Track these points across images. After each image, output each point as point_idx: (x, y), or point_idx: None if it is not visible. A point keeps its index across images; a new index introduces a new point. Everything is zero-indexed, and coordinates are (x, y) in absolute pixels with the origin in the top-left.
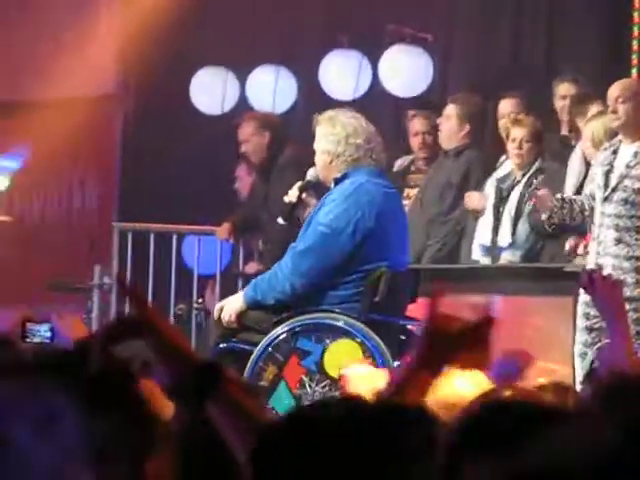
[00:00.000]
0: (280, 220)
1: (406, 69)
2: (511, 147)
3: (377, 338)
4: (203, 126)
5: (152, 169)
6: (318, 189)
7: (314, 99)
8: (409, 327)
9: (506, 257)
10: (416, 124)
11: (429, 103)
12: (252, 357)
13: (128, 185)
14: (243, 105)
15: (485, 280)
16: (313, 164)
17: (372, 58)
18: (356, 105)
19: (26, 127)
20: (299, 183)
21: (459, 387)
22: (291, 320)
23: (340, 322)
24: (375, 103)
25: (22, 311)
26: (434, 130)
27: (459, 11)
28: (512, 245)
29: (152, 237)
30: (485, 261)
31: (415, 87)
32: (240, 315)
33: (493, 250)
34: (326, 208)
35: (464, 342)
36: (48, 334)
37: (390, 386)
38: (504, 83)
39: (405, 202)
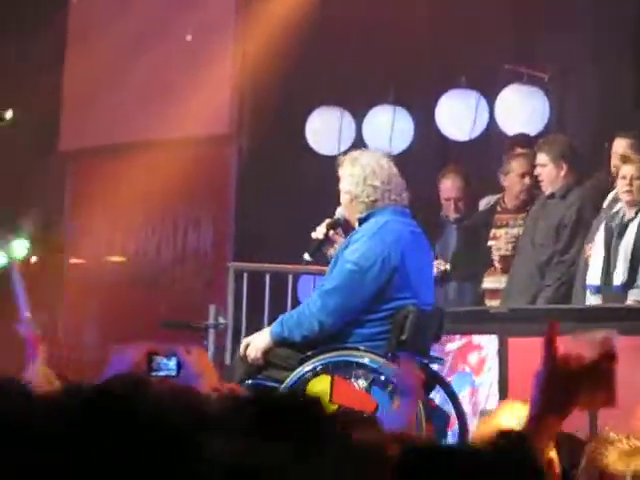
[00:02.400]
0: (306, 256)
1: (522, 109)
2: (621, 184)
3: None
4: (318, 166)
5: (267, 208)
6: (346, 227)
7: (430, 139)
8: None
9: (633, 297)
10: (523, 164)
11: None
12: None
13: (243, 225)
14: (359, 145)
15: (602, 321)
16: (427, 203)
17: (489, 98)
18: (472, 145)
19: (140, 168)
20: (327, 220)
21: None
22: (318, 357)
23: (366, 360)
24: (491, 143)
25: (144, 346)
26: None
27: (575, 50)
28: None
29: (267, 277)
30: (596, 301)
31: (531, 127)
32: (266, 352)
33: (605, 289)
34: (353, 246)
35: (587, 381)
36: (174, 368)
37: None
38: (622, 122)
39: (492, 242)
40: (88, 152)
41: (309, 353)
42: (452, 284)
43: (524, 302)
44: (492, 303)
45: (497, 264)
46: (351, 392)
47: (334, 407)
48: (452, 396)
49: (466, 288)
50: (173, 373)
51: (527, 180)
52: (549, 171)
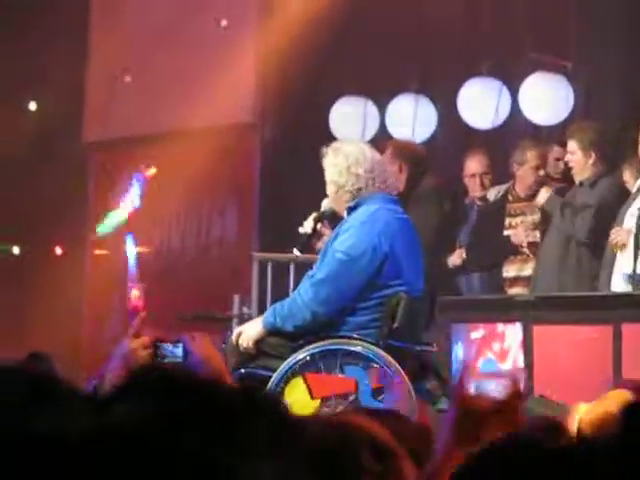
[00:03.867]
0: (296, 251)
1: (546, 97)
2: None
3: (397, 365)
4: None
5: (291, 199)
6: (333, 220)
7: (453, 128)
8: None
9: None
10: (538, 156)
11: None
12: (271, 381)
13: (267, 215)
14: (383, 134)
15: (630, 308)
16: (452, 194)
17: (512, 86)
18: (495, 133)
19: (164, 157)
20: (314, 214)
21: None
22: (310, 346)
23: (358, 348)
24: (514, 132)
25: (144, 335)
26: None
27: (601, 37)
28: None
29: (292, 267)
30: (626, 288)
31: (556, 116)
32: (258, 341)
33: (635, 278)
34: (342, 236)
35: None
36: (180, 354)
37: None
38: None
39: (509, 232)
40: (112, 143)
41: (301, 341)
42: (475, 274)
43: (551, 290)
44: (513, 291)
45: (527, 251)
46: (327, 381)
47: (317, 403)
48: (444, 384)
49: (484, 277)
50: (180, 359)
51: (541, 172)
52: (578, 159)
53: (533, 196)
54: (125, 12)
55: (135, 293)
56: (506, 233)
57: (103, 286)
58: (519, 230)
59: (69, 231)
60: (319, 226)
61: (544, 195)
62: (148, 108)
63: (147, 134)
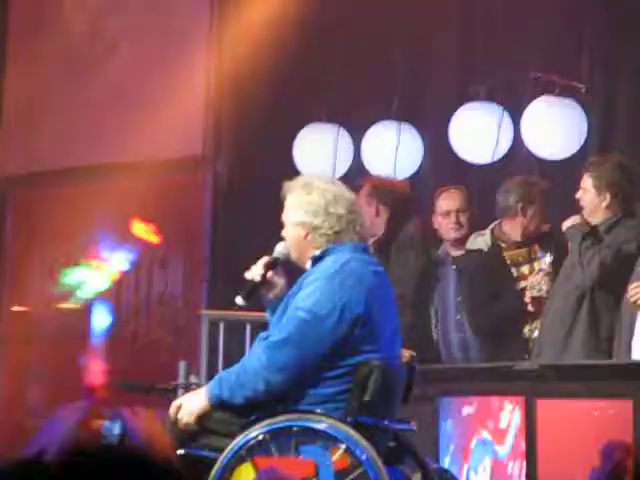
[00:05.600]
0: (239, 300)
1: (555, 126)
2: None
3: (368, 445)
4: None
5: (247, 246)
6: (288, 268)
7: (443, 162)
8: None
9: None
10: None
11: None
12: (219, 462)
13: (218, 265)
14: (358, 169)
15: None
16: (441, 240)
17: (513, 113)
18: (494, 169)
19: (95, 196)
20: (265, 259)
21: None
22: (265, 422)
23: (323, 425)
24: (518, 167)
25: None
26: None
27: (619, 55)
28: None
29: (248, 328)
30: None
31: (566, 148)
32: (201, 416)
33: None
34: (306, 290)
35: None
36: (117, 431)
37: None
38: None
39: (524, 283)
40: (33, 178)
41: (254, 417)
42: (471, 338)
43: (558, 356)
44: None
45: (530, 307)
46: (281, 465)
47: None
48: (424, 468)
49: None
50: (115, 439)
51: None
52: (591, 199)
53: (528, 240)
54: (51, 19)
55: (95, 368)
56: (522, 285)
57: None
58: (537, 279)
59: None
60: (270, 274)
61: (573, 219)
62: (78, 138)
63: (76, 167)
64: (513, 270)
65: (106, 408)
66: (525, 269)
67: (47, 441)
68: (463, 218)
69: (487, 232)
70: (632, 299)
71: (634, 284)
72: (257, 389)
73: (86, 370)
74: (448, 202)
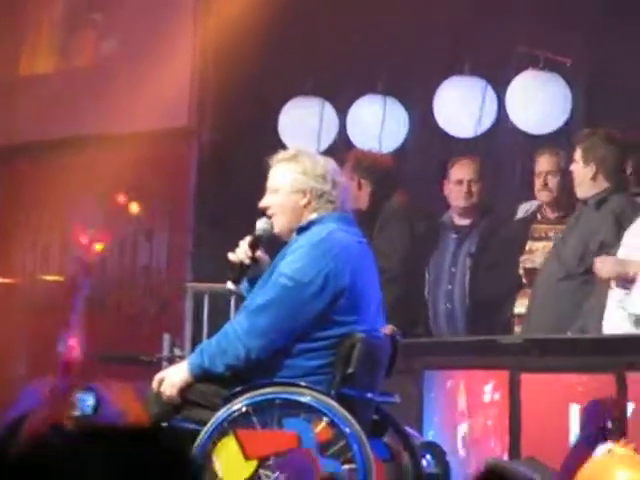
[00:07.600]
0: (229, 285)
1: (539, 100)
2: None
3: (351, 418)
4: None
5: (232, 218)
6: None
7: (428, 136)
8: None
9: None
10: (540, 162)
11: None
12: (202, 434)
13: (203, 237)
14: (343, 143)
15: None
16: (426, 214)
17: (498, 86)
18: (479, 143)
19: (80, 167)
20: (248, 238)
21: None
22: (248, 394)
23: (307, 398)
24: (501, 141)
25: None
26: (563, 172)
27: (605, 28)
28: None
29: (232, 300)
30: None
31: (550, 122)
32: (184, 388)
33: None
34: (290, 257)
35: None
36: (91, 403)
37: None
38: None
39: (526, 256)
40: (18, 149)
41: (238, 389)
42: (458, 310)
43: (546, 330)
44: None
45: (523, 279)
46: (264, 438)
47: (253, 464)
48: (406, 440)
49: (483, 315)
50: (89, 411)
51: (549, 179)
52: (578, 170)
53: (564, 217)
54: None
55: (71, 342)
56: (522, 258)
57: (5, 319)
58: (536, 256)
59: None
60: (258, 253)
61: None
62: (64, 109)
63: (61, 139)
64: (529, 243)
65: (80, 380)
66: (537, 245)
67: (20, 413)
68: (475, 188)
69: (535, 203)
70: (598, 273)
71: (599, 258)
72: (238, 356)
73: (63, 344)
74: (462, 170)
